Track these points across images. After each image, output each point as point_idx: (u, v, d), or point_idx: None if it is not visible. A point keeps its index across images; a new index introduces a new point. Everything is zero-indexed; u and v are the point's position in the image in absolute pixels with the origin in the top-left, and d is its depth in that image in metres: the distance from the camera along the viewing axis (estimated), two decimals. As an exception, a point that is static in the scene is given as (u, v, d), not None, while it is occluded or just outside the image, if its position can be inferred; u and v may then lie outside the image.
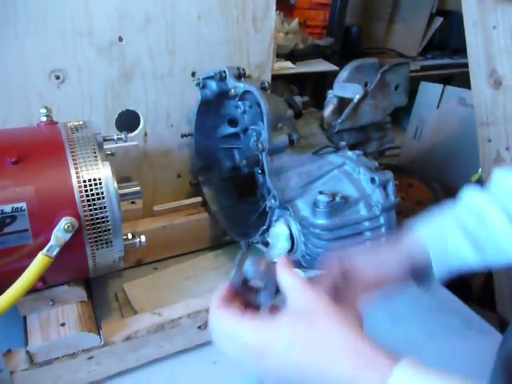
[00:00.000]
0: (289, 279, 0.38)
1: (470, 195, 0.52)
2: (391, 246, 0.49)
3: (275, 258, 0.62)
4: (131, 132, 0.76)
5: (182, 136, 0.80)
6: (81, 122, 0.56)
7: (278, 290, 0.39)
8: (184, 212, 0.82)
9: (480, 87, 0.80)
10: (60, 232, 0.47)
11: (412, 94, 1.46)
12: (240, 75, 0.65)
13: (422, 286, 0.52)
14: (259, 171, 0.74)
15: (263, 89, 0.63)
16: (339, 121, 0.73)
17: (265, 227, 0.65)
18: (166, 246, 0.79)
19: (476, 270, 0.52)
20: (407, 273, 0.48)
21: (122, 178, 0.76)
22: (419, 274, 0.49)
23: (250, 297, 0.40)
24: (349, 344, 0.34)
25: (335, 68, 1.02)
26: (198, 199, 0.83)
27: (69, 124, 0.55)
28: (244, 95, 0.63)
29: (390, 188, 0.59)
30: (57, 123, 0.55)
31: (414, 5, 1.40)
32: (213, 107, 0.76)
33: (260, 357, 0.36)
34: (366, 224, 0.59)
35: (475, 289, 1.41)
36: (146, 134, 0.77)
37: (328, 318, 0.35)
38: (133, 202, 0.76)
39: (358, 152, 0.64)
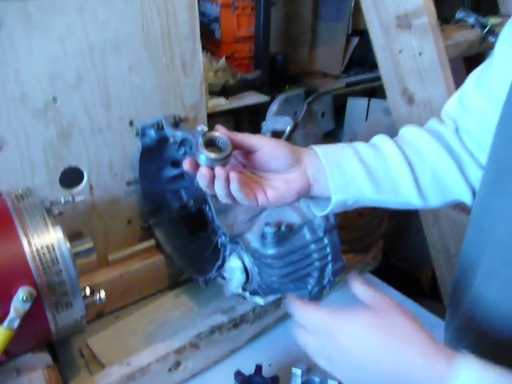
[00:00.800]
0: (364, 289, 0.46)
1: (373, 138, 0.59)
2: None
3: (233, 291, 0.65)
4: (76, 186, 0.77)
5: (128, 183, 0.81)
6: (25, 190, 0.57)
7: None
8: (139, 257, 0.83)
9: (396, 103, 0.88)
10: (19, 303, 0.47)
11: (342, 108, 1.56)
12: (176, 122, 0.68)
13: (316, 208, 0.57)
14: (207, 207, 0.77)
15: (200, 133, 0.66)
16: (276, 151, 0.77)
17: (219, 262, 0.68)
18: (126, 293, 0.80)
19: (373, 203, 0.57)
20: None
21: (72, 234, 0.77)
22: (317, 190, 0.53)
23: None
24: (420, 335, 0.41)
25: (266, 98, 1.08)
26: (152, 242, 0.85)
27: (13, 193, 0.56)
28: (183, 141, 0.66)
29: (329, 210, 0.64)
30: (0, 194, 0.56)
31: (331, 28, 1.50)
32: (154, 152, 0.79)
33: (344, 339, 0.42)
34: (313, 247, 0.63)
35: (425, 282, 1.51)
36: (91, 187, 0.78)
37: (402, 314, 0.42)
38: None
39: (296, 180, 0.68)
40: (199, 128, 0.46)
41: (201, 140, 0.46)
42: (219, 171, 0.46)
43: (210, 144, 0.47)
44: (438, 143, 0.57)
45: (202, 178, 0.47)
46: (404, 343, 0.40)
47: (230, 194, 0.48)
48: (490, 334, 0.48)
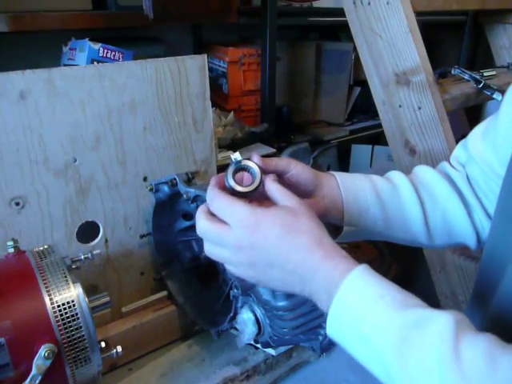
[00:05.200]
0: (279, 188, 0.48)
1: (389, 172, 0.62)
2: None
3: (245, 343, 0.66)
4: (92, 241, 0.80)
5: (141, 236, 0.84)
6: (47, 247, 0.60)
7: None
8: (152, 308, 0.84)
9: (399, 155, 0.91)
10: (41, 360, 0.49)
11: (347, 155, 1.60)
12: (189, 179, 0.72)
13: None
14: (218, 259, 0.79)
15: (212, 189, 0.70)
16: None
17: (231, 314, 0.70)
18: (139, 344, 0.81)
19: (381, 237, 0.58)
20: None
21: (88, 287, 0.79)
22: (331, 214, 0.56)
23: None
24: (321, 236, 0.44)
25: (272, 150, 1.13)
26: (164, 293, 0.86)
27: (36, 250, 0.59)
28: (196, 198, 0.69)
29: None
30: (24, 252, 0.59)
31: (334, 80, 1.57)
32: (167, 206, 0.82)
33: (252, 229, 0.45)
34: (322, 298, 0.65)
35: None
36: (106, 241, 0.81)
37: (309, 216, 0.45)
38: (100, 307, 0.78)
39: (304, 232, 0.71)
40: (233, 157, 0.49)
41: (231, 169, 0.49)
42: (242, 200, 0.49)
43: (243, 170, 0.50)
44: (450, 187, 0.60)
45: None
46: (313, 244, 0.43)
47: None
48: None
